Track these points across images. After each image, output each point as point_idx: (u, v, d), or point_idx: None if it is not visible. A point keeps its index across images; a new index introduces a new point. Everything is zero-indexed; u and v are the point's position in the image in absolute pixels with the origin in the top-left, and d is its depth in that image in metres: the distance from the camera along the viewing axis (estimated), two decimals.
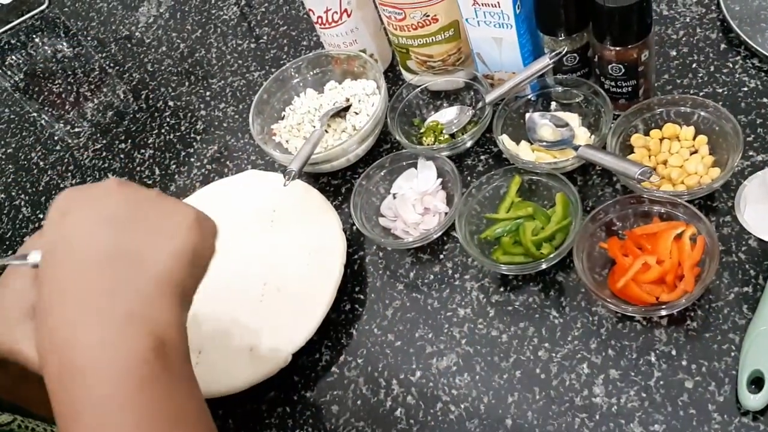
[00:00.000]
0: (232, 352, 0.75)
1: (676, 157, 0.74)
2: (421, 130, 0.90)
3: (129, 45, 1.31)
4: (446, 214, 0.80)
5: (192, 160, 1.05)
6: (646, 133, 0.77)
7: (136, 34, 1.32)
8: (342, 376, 0.75)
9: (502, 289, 0.75)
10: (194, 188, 1.00)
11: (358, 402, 0.72)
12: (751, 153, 0.75)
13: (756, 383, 0.60)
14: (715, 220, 0.71)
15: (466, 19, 0.82)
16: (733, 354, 0.63)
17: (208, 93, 1.14)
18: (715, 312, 0.66)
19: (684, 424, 0.61)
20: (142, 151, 1.10)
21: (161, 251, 0.50)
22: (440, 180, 0.82)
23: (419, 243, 0.78)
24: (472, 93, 0.90)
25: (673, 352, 0.65)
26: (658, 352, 0.65)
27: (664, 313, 0.65)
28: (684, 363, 0.64)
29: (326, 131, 0.92)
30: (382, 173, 0.85)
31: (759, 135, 0.76)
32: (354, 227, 0.83)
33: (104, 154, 1.13)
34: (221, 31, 1.24)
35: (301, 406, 0.74)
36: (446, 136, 0.87)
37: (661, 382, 0.64)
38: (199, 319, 0.79)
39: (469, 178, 0.85)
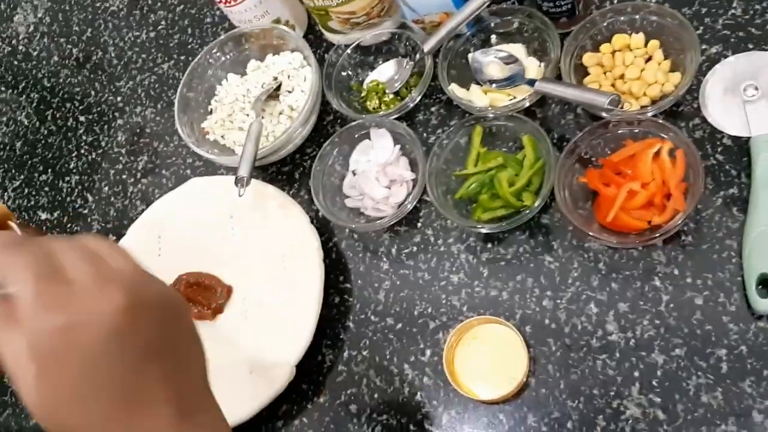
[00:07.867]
0: (232, 380, 0.71)
1: (632, 68, 0.71)
2: (362, 94, 0.84)
3: (15, 62, 1.18)
4: (413, 180, 0.76)
5: (124, 177, 0.97)
6: (596, 50, 0.74)
7: (20, 47, 1.19)
8: (351, 372, 0.72)
9: (489, 245, 0.72)
10: (136, 207, 0.93)
11: (375, 395, 0.70)
12: (704, 47, 0.72)
13: (764, 284, 0.60)
14: (684, 125, 0.69)
15: None
16: (734, 260, 0.62)
17: (119, 98, 1.04)
18: (707, 221, 0.65)
19: (704, 342, 0.61)
20: (67, 178, 1.01)
21: None
22: (398, 146, 0.77)
23: (396, 219, 0.74)
24: (405, 42, 0.85)
25: (676, 272, 0.64)
26: (660, 275, 0.65)
27: (661, 238, 0.63)
28: (689, 280, 0.63)
29: (262, 117, 0.85)
30: (335, 151, 0.80)
31: (707, 25, 0.73)
32: (320, 214, 0.78)
33: (26, 191, 1.04)
34: (113, 25, 1.12)
35: (318, 413, 0.72)
36: (391, 96, 0.82)
37: (672, 305, 0.63)
38: None
39: (425, 135, 0.80)
